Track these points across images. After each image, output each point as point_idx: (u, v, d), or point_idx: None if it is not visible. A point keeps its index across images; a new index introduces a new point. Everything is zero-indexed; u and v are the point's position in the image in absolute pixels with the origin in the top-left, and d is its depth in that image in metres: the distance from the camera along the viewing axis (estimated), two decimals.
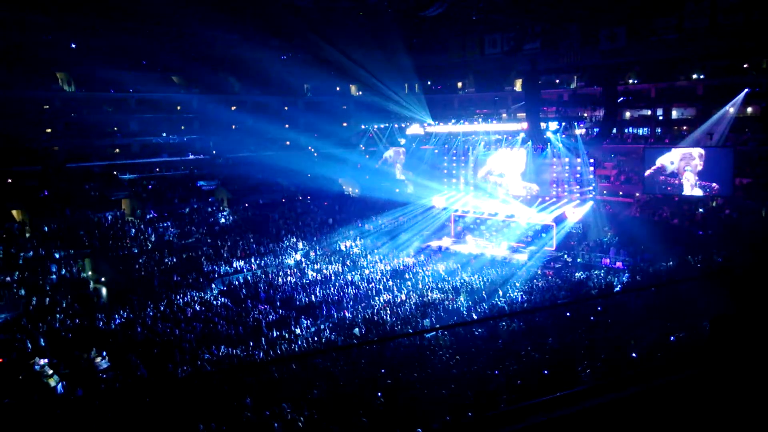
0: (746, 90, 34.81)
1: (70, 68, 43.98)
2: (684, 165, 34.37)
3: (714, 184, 33.52)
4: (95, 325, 24.88)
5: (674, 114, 41.40)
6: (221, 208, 43.97)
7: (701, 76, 38.56)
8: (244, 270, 33.77)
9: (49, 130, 43.35)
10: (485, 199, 41.81)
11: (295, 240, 38.65)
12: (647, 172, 35.76)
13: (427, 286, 29.42)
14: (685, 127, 39.59)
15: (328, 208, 46.51)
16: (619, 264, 31.31)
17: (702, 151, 34.13)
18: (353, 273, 32.75)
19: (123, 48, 43.76)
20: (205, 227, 39.78)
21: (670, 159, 34.69)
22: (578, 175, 37.15)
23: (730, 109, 35.06)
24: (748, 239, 27.32)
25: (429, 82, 54.34)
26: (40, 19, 36.76)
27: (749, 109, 36.09)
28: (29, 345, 22.46)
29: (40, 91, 42.54)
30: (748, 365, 2.42)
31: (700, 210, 34.19)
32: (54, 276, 30.17)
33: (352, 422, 14.62)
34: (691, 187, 34.23)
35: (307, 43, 45.25)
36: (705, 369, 2.50)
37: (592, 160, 36.24)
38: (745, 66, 36.21)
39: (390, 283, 30.51)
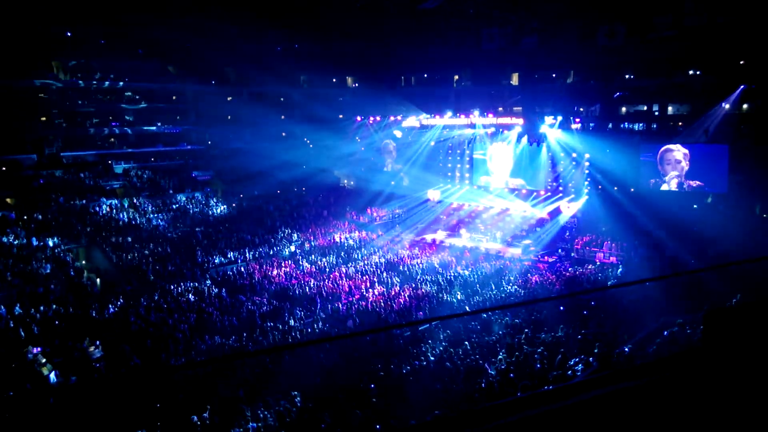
0: (742, 86, 34.88)
1: (66, 57, 43.74)
2: (674, 161, 34.50)
3: (698, 182, 33.76)
4: (89, 315, 24.85)
5: (670, 110, 41.44)
6: (216, 198, 43.89)
7: (698, 72, 38.60)
8: (239, 261, 33.75)
9: (44, 119, 43.13)
10: (480, 193, 41.89)
11: (289, 231, 38.63)
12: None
13: (421, 279, 29.46)
14: (680, 123, 39.64)
15: (323, 199, 46.51)
16: (613, 258, 31.44)
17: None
18: (347, 265, 32.77)
19: (120, 37, 43.56)
20: (200, 218, 39.73)
21: (662, 155, 34.85)
22: (573, 170, 37.22)
23: (726, 105, 35.12)
24: (741, 236, 27.43)
25: (426, 75, 54.26)
26: (35, 7, 36.53)
27: (744, 106, 36.14)
28: (22, 333, 22.42)
29: (36, 80, 42.29)
30: (742, 360, 2.43)
31: (695, 206, 34.30)
32: (48, 265, 30.08)
33: (345, 414, 14.66)
34: (680, 184, 34.40)
35: (306, 34, 45.17)
36: (698, 364, 2.50)
37: (587, 155, 36.30)
38: (741, 63, 36.23)
39: (384, 275, 30.54)
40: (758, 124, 35.11)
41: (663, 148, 34.81)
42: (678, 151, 34.29)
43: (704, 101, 36.85)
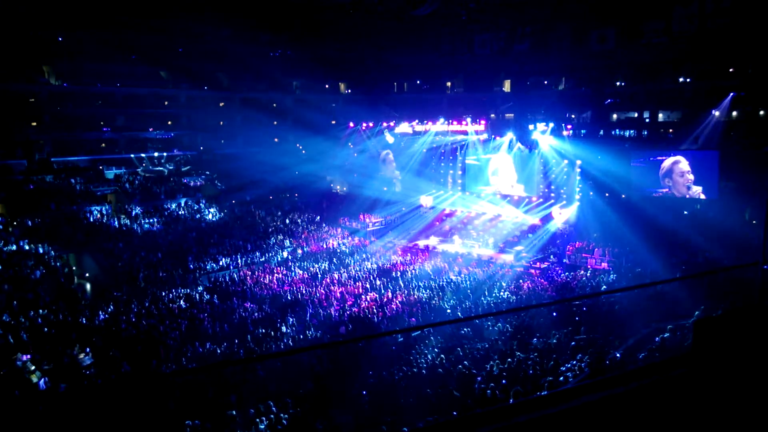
0: (732, 94, 35.17)
1: (57, 61, 43.59)
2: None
3: (698, 188, 33.96)
4: (79, 321, 24.68)
5: (660, 117, 41.71)
6: (208, 204, 43.75)
7: (688, 80, 38.89)
8: (231, 267, 33.64)
9: (34, 124, 42.92)
10: (472, 199, 41.97)
11: (281, 237, 38.55)
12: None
13: (414, 285, 29.44)
14: (671, 130, 39.92)
15: (315, 205, 46.45)
16: (604, 265, 31.52)
17: (685, 159, 34.54)
18: (340, 271, 32.71)
19: (111, 41, 43.46)
20: (192, 223, 39.57)
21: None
22: (565, 176, 37.37)
23: (716, 112, 35.39)
24: (731, 241, 27.58)
25: (418, 82, 54.41)
26: (27, 11, 36.38)
27: (734, 113, 36.44)
28: (11, 340, 22.24)
29: (26, 84, 42.10)
30: (732, 366, 2.44)
31: (685, 212, 34.49)
32: (38, 270, 29.88)
33: (337, 420, 14.62)
34: (678, 191, 34.59)
35: (299, 39, 45.24)
36: (688, 370, 2.51)
37: (579, 161, 36.45)
38: (731, 70, 36.55)
39: (377, 281, 30.51)
40: (748, 130, 35.41)
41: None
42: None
43: (694, 108, 37.13)
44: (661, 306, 20.83)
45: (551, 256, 34.31)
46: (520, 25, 42.22)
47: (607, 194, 36.11)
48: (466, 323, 21.97)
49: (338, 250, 37.04)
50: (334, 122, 51.71)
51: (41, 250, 31.92)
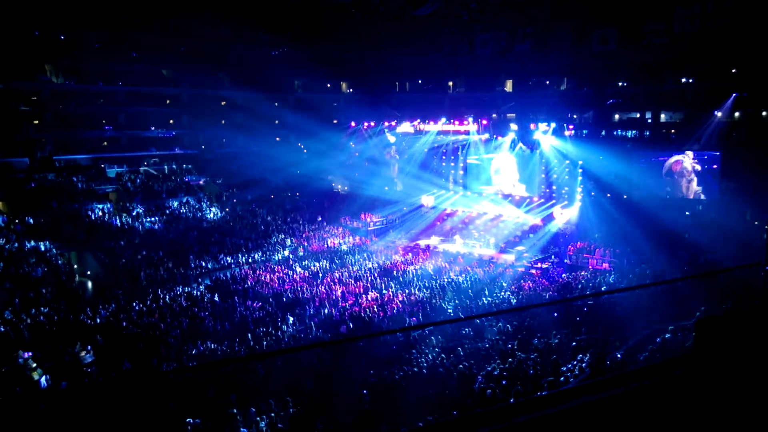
0: (735, 94, 35.13)
1: (59, 60, 43.62)
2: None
3: (700, 188, 33.96)
4: (80, 319, 24.71)
5: (662, 117, 41.64)
6: (209, 203, 43.77)
7: (690, 80, 38.82)
8: (232, 266, 33.65)
9: (36, 122, 42.95)
10: (474, 199, 41.95)
11: (283, 236, 38.55)
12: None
13: (415, 285, 29.43)
14: (672, 131, 39.88)
15: (316, 204, 46.45)
16: (605, 265, 31.50)
17: (695, 160, 34.52)
18: (341, 270, 32.71)
19: (113, 40, 43.50)
20: (193, 222, 39.59)
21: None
22: (567, 177, 37.33)
23: (718, 113, 35.36)
24: (732, 242, 27.55)
25: (420, 81, 54.37)
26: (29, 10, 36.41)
27: (736, 114, 36.39)
28: (13, 337, 22.26)
29: (28, 83, 42.14)
30: (733, 367, 2.44)
31: (687, 213, 34.46)
32: (39, 269, 29.90)
33: (337, 420, 14.62)
34: (680, 191, 34.59)
35: (300, 39, 45.24)
36: (689, 371, 2.52)
37: (581, 162, 36.42)
38: (733, 71, 36.49)
39: (378, 280, 30.50)
40: (749, 131, 35.38)
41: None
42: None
43: (696, 109, 37.08)
44: (662, 306, 20.81)
45: (552, 257, 34.29)
46: (521, 26, 42.13)
47: (608, 195, 36.09)
48: (466, 323, 21.96)
49: (339, 250, 37.04)
50: (335, 122, 51.70)
51: (43, 248, 31.96)
